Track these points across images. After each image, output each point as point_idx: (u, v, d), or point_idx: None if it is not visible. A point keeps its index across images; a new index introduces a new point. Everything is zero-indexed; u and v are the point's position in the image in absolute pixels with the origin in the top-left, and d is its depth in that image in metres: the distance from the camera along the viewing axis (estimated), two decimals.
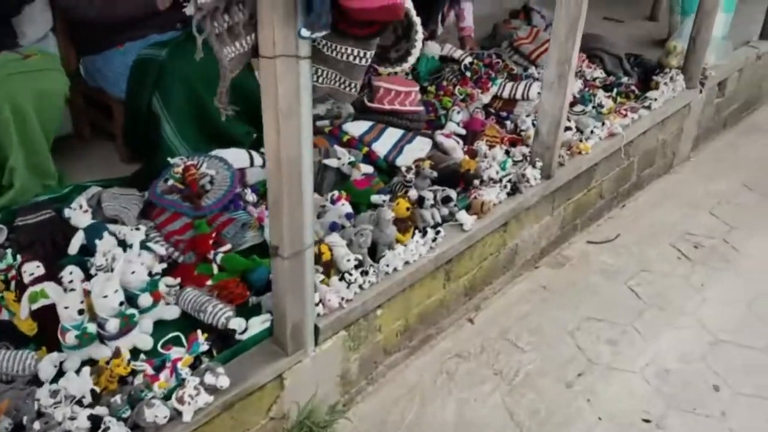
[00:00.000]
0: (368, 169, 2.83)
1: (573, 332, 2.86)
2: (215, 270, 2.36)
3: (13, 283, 2.11)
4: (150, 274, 2.23)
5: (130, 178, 2.77)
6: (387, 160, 2.95)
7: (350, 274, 2.24)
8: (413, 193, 2.72)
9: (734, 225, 3.64)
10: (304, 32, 1.48)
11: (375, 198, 2.69)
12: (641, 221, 3.67)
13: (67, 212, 2.37)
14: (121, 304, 1.98)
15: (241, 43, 1.55)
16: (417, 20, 1.70)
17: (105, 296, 1.95)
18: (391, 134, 3.06)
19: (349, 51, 1.65)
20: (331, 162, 2.83)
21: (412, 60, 1.76)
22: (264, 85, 1.63)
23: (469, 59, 3.79)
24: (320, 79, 1.73)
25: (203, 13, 1.45)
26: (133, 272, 2.09)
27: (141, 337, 2.06)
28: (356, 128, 3.05)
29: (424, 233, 2.53)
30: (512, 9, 4.76)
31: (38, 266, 2.09)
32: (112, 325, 1.97)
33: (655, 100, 3.68)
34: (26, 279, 2.06)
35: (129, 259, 2.11)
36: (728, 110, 4.60)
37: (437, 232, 2.55)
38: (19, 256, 2.17)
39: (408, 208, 2.55)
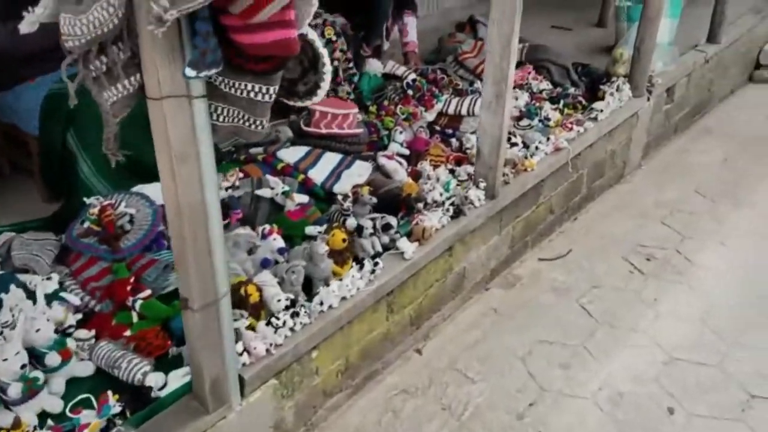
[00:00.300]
0: (303, 198, 2.69)
1: (524, 357, 2.76)
2: (135, 318, 2.21)
3: None
4: (62, 327, 2.07)
5: (48, 221, 2.59)
6: (324, 187, 2.83)
7: (277, 318, 2.10)
8: (351, 222, 2.59)
9: (687, 234, 3.59)
10: (189, 72, 1.34)
11: (310, 229, 2.56)
12: (593, 234, 3.60)
13: None
14: (24, 366, 1.81)
15: (124, 84, 1.41)
16: (323, 52, 1.58)
17: (5, 359, 1.79)
18: (328, 160, 2.94)
19: (249, 87, 1.52)
20: (264, 192, 2.69)
21: (321, 93, 1.64)
22: (154, 128, 1.49)
23: (412, 76, 3.69)
24: (221, 118, 1.59)
25: (74, 57, 1.31)
26: (38, 330, 1.92)
27: (49, 400, 1.89)
28: (291, 155, 2.92)
29: (362, 266, 2.41)
30: (458, 21, 4.69)
31: None
32: (14, 391, 1.80)
33: (601, 111, 3.62)
34: None
35: (33, 316, 1.94)
36: (678, 116, 4.58)
37: (375, 264, 2.43)
38: None
39: (344, 239, 2.42)
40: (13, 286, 2.11)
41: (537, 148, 3.28)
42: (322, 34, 3.37)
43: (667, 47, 4.30)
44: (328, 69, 1.59)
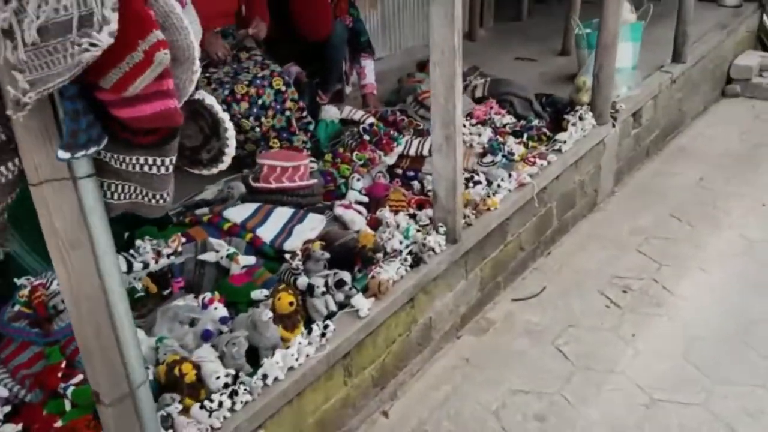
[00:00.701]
0: (249, 260, 2.56)
1: (498, 412, 2.59)
2: (67, 407, 2.04)
3: None
4: None
5: None
6: (274, 245, 2.69)
7: (211, 400, 1.94)
8: (302, 281, 2.46)
9: (664, 262, 3.45)
10: (62, 154, 1.23)
11: (255, 294, 2.41)
12: (567, 269, 3.47)
13: None
14: None
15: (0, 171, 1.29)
16: (224, 116, 1.46)
17: None
18: (279, 215, 2.81)
19: (141, 161, 1.40)
20: (208, 257, 2.56)
21: (227, 159, 1.52)
22: (39, 214, 1.36)
23: (369, 120, 3.60)
24: (116, 195, 1.47)
25: None
26: None
27: None
28: (238, 213, 2.79)
29: (310, 330, 2.26)
30: (420, 60, 4.63)
31: None
32: None
33: (564, 142, 3.52)
34: None
35: None
36: (649, 138, 4.49)
37: (325, 327, 2.29)
38: None
39: (291, 302, 2.28)
40: None
41: (499, 186, 3.17)
42: (270, 85, 3.28)
43: (631, 71, 4.24)
44: (231, 134, 1.47)
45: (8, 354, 2.20)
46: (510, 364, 2.84)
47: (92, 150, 1.27)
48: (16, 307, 2.28)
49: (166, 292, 2.46)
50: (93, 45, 1.04)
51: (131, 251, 2.59)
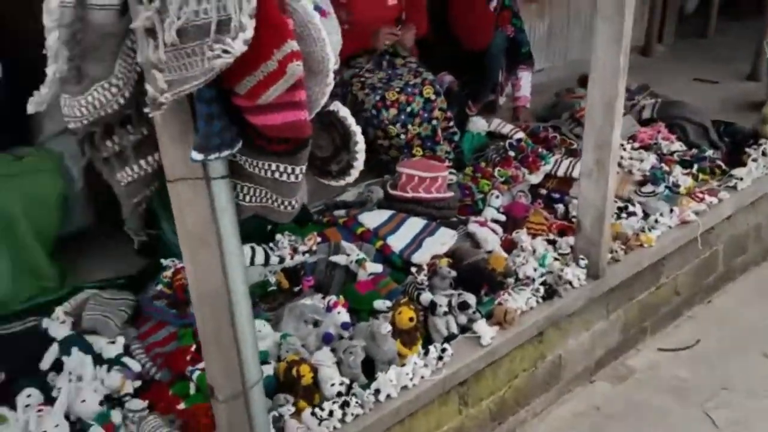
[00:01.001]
0: (377, 268, 2.52)
1: None
2: (192, 390, 2.13)
3: None
4: (117, 395, 2.04)
5: (132, 278, 2.63)
6: (402, 256, 2.64)
7: (322, 408, 1.92)
8: (426, 297, 2.37)
9: None
10: (195, 155, 1.24)
11: (378, 304, 2.36)
12: (728, 322, 3.06)
13: (45, 322, 2.25)
14: None
15: (140, 165, 1.35)
16: (356, 130, 1.42)
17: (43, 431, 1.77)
18: (411, 225, 2.75)
19: (273, 167, 1.40)
20: (339, 259, 2.56)
21: (355, 173, 1.48)
22: (173, 209, 1.40)
23: (518, 135, 3.43)
24: (247, 197, 1.48)
25: (80, 137, 1.26)
26: (83, 401, 1.89)
27: None
28: (373, 219, 2.77)
29: (427, 351, 2.17)
30: (582, 75, 4.35)
31: None
32: None
33: (741, 179, 3.11)
34: None
35: (79, 386, 1.92)
36: None
37: (443, 350, 2.18)
38: None
39: (412, 318, 2.20)
40: (75, 349, 2.13)
41: (657, 220, 2.86)
42: (420, 93, 3.24)
43: None
44: (360, 148, 1.43)
45: (146, 330, 2.35)
46: (647, 421, 2.55)
47: (225, 153, 1.28)
48: (159, 287, 2.42)
49: (296, 289, 2.50)
50: (225, 52, 1.03)
51: (270, 244, 2.67)
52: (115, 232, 3.15)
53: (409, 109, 3.23)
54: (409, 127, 3.25)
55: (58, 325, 2.23)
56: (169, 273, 2.43)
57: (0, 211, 2.27)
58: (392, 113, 3.21)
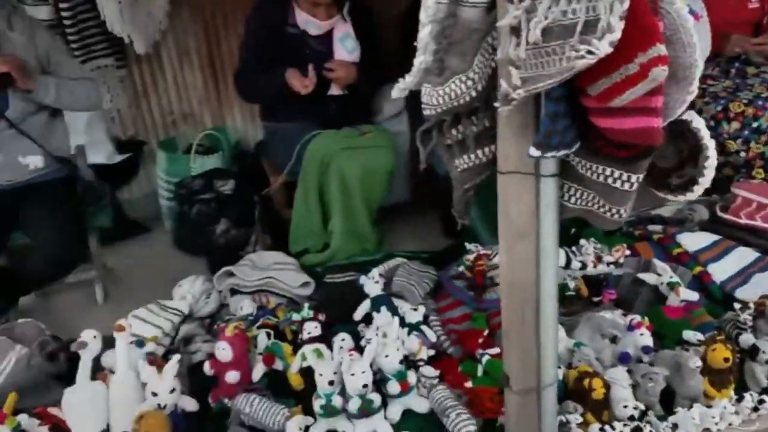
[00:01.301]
0: (692, 295, 2.29)
1: None
2: (479, 372, 2.22)
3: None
4: (413, 358, 2.23)
5: (437, 254, 2.83)
6: (724, 288, 2.35)
7: (613, 428, 1.83)
8: (746, 339, 2.10)
9: None
10: (533, 152, 1.27)
11: (688, 335, 2.16)
12: None
13: (362, 279, 2.54)
14: (366, 386, 2.00)
15: (476, 154, 1.42)
16: (709, 144, 1.29)
17: (352, 374, 2.01)
18: (739, 256, 2.44)
19: (607, 172, 1.35)
20: (648, 278, 2.40)
21: (699, 190, 1.34)
22: (499, 200, 1.46)
23: None
24: (572, 199, 1.46)
25: (429, 125, 1.38)
26: (386, 356, 2.10)
27: (381, 424, 2.03)
28: (693, 241, 2.53)
29: (741, 398, 1.92)
30: None
31: (316, 326, 2.29)
32: (353, 405, 2.00)
33: None
34: (304, 336, 2.28)
35: (385, 342, 2.13)
36: None
37: (761, 401, 1.91)
38: (311, 312, 2.40)
39: (727, 359, 1.97)
40: (384, 308, 2.37)
41: None
42: None
43: None
44: (711, 164, 1.29)
45: (443, 306, 2.51)
46: None
47: (562, 153, 1.28)
48: (460, 268, 2.56)
49: (596, 299, 2.42)
50: (590, 53, 1.02)
51: (573, 248, 2.62)
52: (426, 209, 3.45)
53: (755, 125, 2.85)
54: (752, 144, 2.87)
55: (372, 284, 2.51)
56: (471, 257, 2.54)
57: (343, 177, 2.64)
58: (734, 126, 2.87)
